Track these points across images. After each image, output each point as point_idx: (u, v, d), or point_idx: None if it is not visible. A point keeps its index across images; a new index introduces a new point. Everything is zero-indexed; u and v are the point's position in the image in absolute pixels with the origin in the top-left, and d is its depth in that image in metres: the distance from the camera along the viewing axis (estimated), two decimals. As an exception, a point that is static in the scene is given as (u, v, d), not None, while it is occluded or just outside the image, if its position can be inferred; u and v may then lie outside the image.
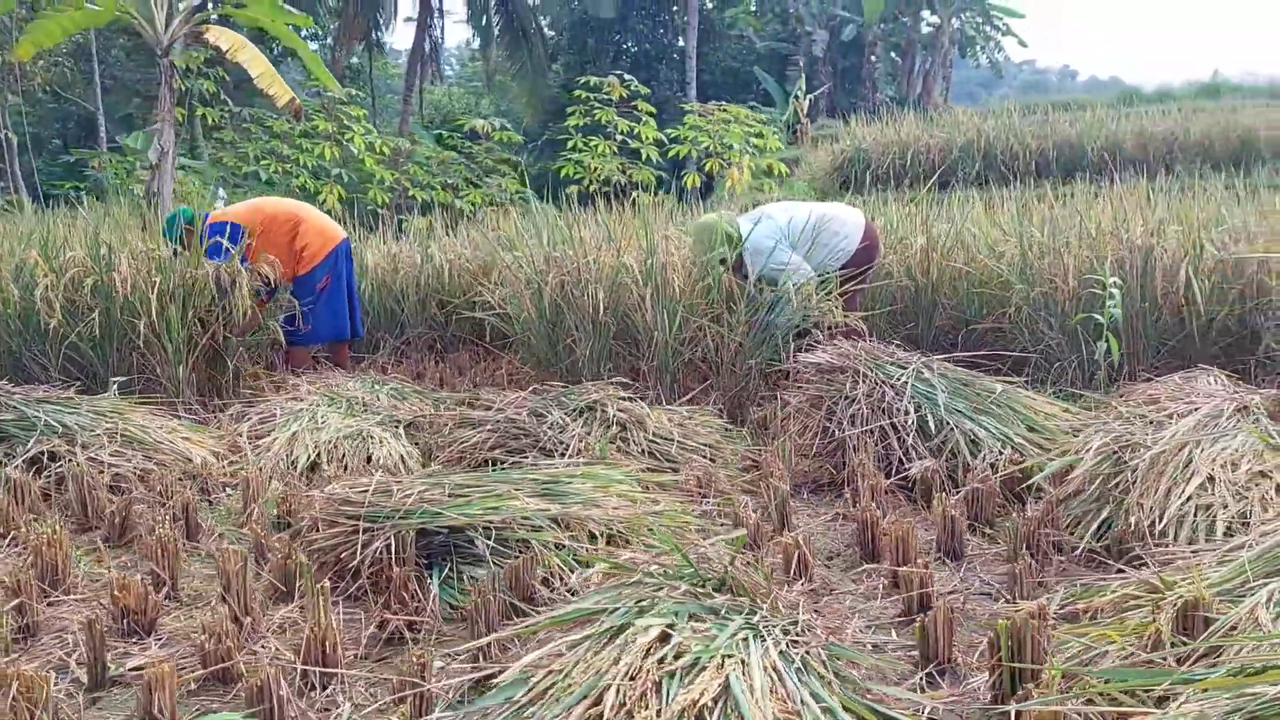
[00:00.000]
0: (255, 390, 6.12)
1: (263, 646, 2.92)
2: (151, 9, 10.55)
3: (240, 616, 3.04)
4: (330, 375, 6.13)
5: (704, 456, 4.45)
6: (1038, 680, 2.30)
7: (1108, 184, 7.78)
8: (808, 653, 2.17)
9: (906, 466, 4.21)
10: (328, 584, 2.95)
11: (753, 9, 36.86)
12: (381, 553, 3.29)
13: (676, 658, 2.06)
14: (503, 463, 4.41)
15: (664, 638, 2.13)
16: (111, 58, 23.86)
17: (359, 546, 3.30)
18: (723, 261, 5.89)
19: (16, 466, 4.46)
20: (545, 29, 32.45)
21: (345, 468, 4.77)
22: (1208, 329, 5.67)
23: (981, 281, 6.55)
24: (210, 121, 12.63)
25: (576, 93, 11.86)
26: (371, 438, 4.96)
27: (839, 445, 4.50)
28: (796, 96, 20.37)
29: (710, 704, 1.98)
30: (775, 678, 2.02)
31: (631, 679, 2.05)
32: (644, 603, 2.32)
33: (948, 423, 4.29)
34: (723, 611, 2.27)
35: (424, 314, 8.50)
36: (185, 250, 6.04)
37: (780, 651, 2.09)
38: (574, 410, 4.63)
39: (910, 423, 4.30)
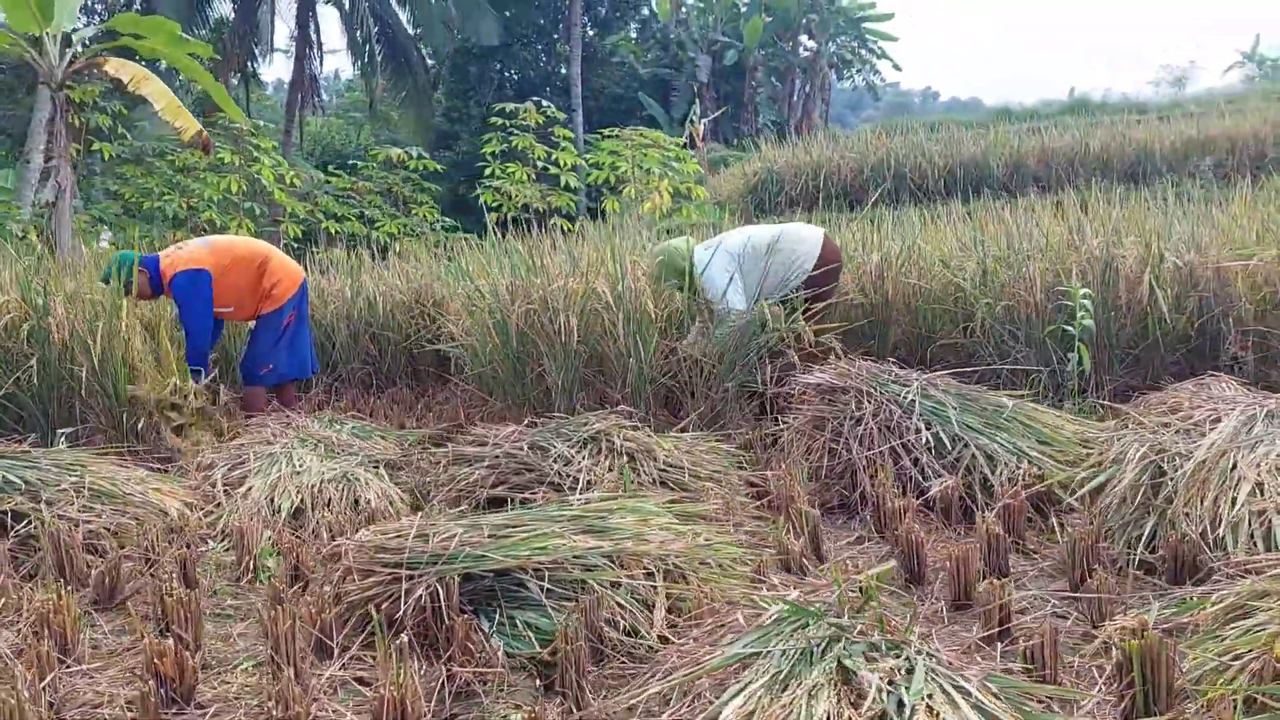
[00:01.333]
0: (202, 436, 5.84)
1: (329, 711, 2.72)
2: (44, 41, 10.07)
3: (293, 679, 2.83)
4: (288, 416, 5.87)
5: (718, 484, 4.34)
6: (1172, 700, 2.26)
7: (1018, 198, 7.95)
8: (984, 685, 2.08)
9: (925, 485, 4.18)
10: (383, 637, 2.76)
11: (633, 36, 37.12)
12: (425, 601, 3.11)
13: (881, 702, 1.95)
14: (510, 501, 4.25)
15: (845, 677, 2.02)
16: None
17: (402, 595, 3.11)
18: (680, 288, 5.87)
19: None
20: (427, 58, 32.09)
21: (331, 513, 4.55)
22: (1170, 337, 5.80)
23: (938, 297, 6.60)
24: (106, 156, 12.09)
25: (493, 120, 11.70)
26: (356, 479, 4.74)
27: (847, 466, 4.45)
28: (693, 120, 20.46)
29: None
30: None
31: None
32: (805, 643, 2.21)
33: (961, 439, 4.27)
34: (883, 648, 2.17)
35: (356, 348, 8.25)
36: (133, 297, 5.76)
37: (956, 686, 2.00)
38: (577, 442, 4.48)
39: (924, 441, 4.26)
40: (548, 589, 3.14)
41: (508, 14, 32.43)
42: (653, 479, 4.29)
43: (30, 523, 4.22)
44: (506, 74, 34.88)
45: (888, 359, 6.54)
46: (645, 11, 36.81)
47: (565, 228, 11.08)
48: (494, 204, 11.50)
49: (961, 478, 4.17)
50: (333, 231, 11.61)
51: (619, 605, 3.08)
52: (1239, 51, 48.93)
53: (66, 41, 10.24)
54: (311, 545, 4.02)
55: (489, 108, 12.60)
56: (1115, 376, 5.82)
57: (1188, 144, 14.31)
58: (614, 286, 5.75)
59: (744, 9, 35.57)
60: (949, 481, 4.09)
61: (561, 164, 11.67)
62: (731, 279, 5.76)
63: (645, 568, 3.21)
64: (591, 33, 35.12)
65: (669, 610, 3.13)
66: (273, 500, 4.58)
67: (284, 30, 30.69)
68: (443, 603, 3.09)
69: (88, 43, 10.41)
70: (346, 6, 28.85)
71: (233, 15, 27.18)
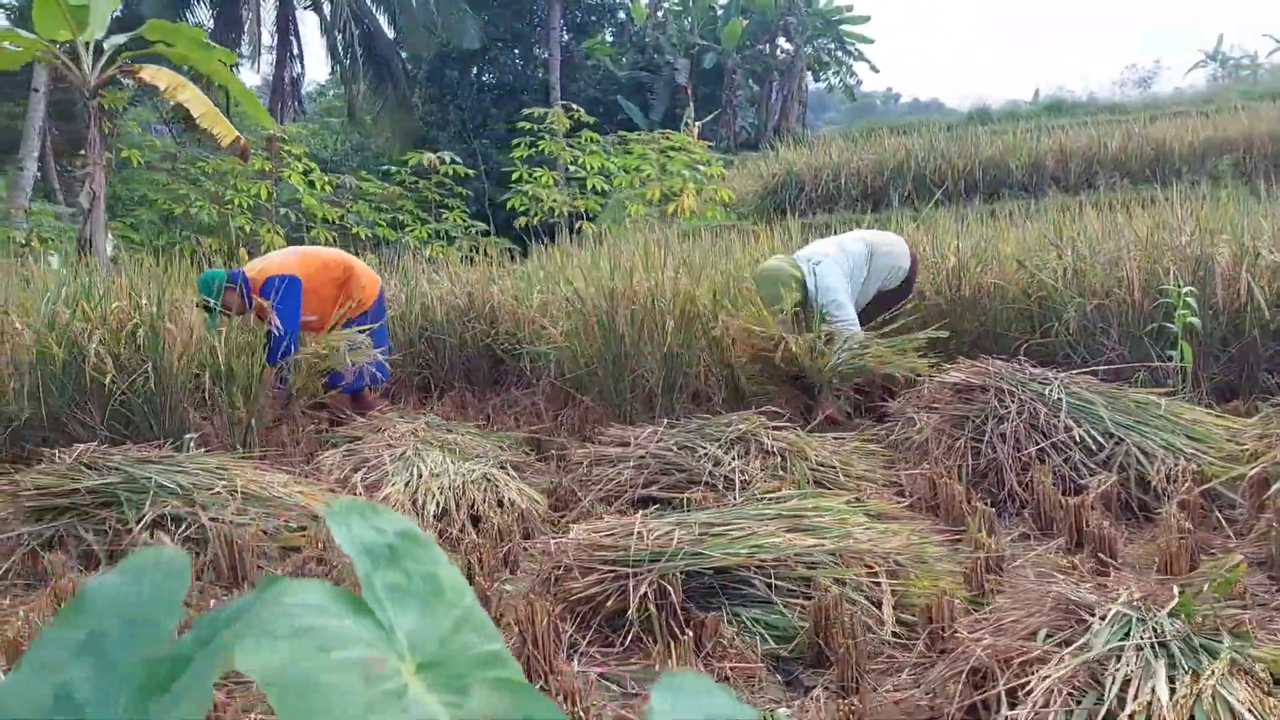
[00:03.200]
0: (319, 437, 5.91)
1: (609, 710, 2.72)
2: (77, 49, 9.96)
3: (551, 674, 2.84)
4: (390, 418, 5.86)
5: (870, 483, 4.38)
6: None
7: (1038, 199, 8.05)
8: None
9: (1082, 484, 4.23)
10: (661, 632, 2.77)
11: (609, 40, 37.15)
12: (650, 599, 3.13)
13: None
14: (663, 501, 4.26)
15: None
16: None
17: (631, 592, 3.12)
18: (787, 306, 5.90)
19: (136, 533, 4.10)
20: (406, 63, 31.95)
21: (476, 514, 4.55)
22: (1265, 334, 5.90)
23: (1015, 297, 6.68)
24: (136, 163, 11.95)
25: (521, 124, 11.69)
26: (495, 480, 4.73)
27: (990, 465, 4.49)
28: (687, 123, 20.53)
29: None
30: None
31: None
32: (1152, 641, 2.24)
33: (1114, 436, 4.33)
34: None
35: (413, 352, 8.25)
36: (228, 311, 5.76)
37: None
38: (725, 442, 4.50)
39: (1075, 439, 4.32)
40: (778, 586, 3.15)
41: (485, 18, 32.38)
42: (806, 478, 4.31)
43: (188, 526, 4.20)
44: (484, 79, 34.76)
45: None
46: (621, 16, 36.87)
47: (591, 231, 11.13)
48: (523, 208, 11.49)
49: (1117, 475, 4.22)
50: (364, 237, 11.55)
51: (848, 603, 3.10)
52: (1201, 51, 49.75)
53: (98, 49, 10.13)
54: (488, 545, 3.99)
55: (510, 114, 12.55)
56: (1212, 373, 5.92)
57: (1206, 144, 14.50)
58: (721, 287, 5.78)
59: (721, 11, 35.72)
60: (1111, 479, 4.14)
61: (589, 167, 11.67)
62: (848, 290, 5.83)
63: (867, 565, 3.24)
64: (567, 37, 35.13)
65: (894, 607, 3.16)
66: (415, 501, 4.57)
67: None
68: (675, 599, 3.11)
69: (117, 51, 10.24)
70: (327, 12, 28.69)
71: (212, 22, 26.90)
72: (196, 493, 4.33)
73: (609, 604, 3.18)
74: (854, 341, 5.62)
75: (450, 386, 8.21)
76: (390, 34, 30.79)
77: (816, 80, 37.38)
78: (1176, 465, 4.18)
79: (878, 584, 3.19)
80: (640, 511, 4.05)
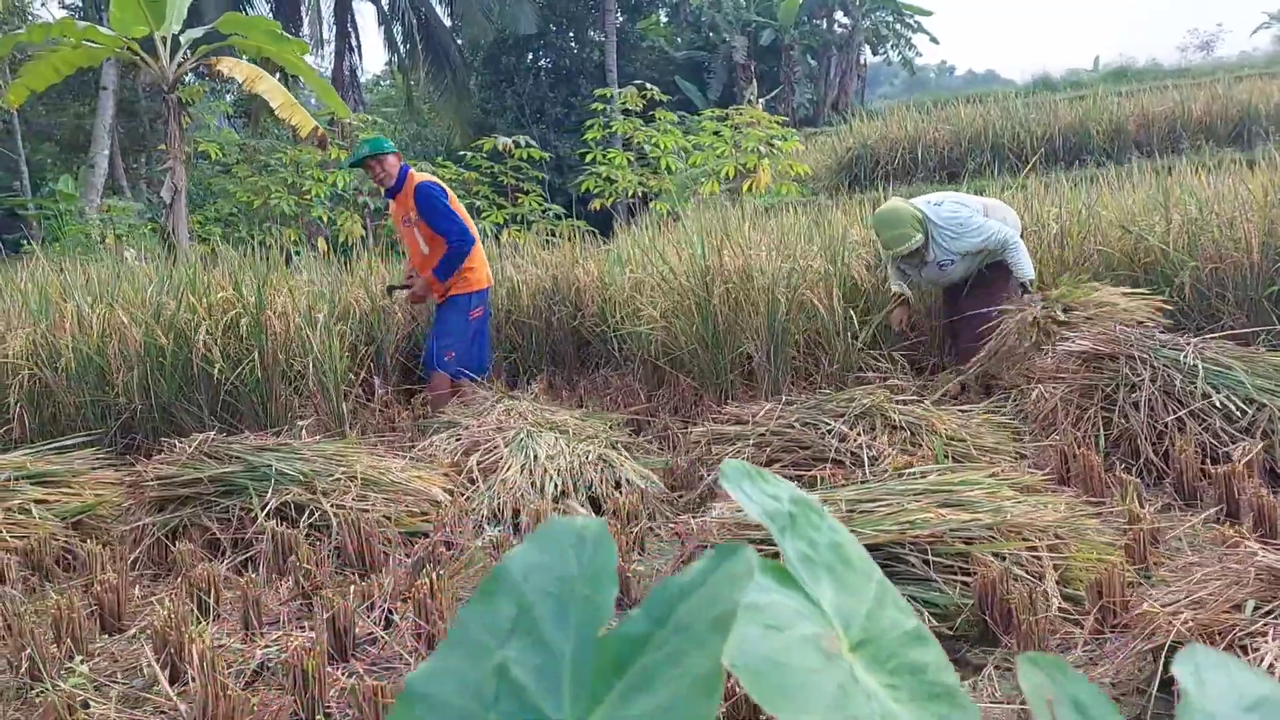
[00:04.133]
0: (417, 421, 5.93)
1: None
2: (155, 44, 10.02)
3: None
4: (487, 402, 5.83)
5: (1003, 456, 4.26)
6: None
7: (1120, 165, 7.81)
8: None
9: (1225, 451, 4.08)
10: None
11: (664, 20, 36.94)
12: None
13: None
14: (795, 479, 4.17)
15: None
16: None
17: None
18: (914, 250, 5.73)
19: (264, 520, 4.10)
20: (463, 50, 32.00)
21: (594, 494, 4.51)
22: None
23: (1119, 263, 6.49)
24: (212, 156, 12.03)
25: (594, 105, 11.61)
26: (611, 461, 4.68)
27: (1123, 434, 4.36)
28: (750, 101, 20.36)
29: None
30: None
31: None
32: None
33: (1256, 402, 4.17)
34: None
35: (500, 337, 8.22)
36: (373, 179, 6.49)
37: None
38: (850, 418, 4.40)
39: (1218, 404, 4.17)
40: (937, 562, 3.06)
41: (540, 2, 32.33)
42: (944, 453, 4.20)
43: (311, 513, 4.19)
44: (541, 63, 34.72)
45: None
46: (677, -6, 36.64)
47: (662, 211, 11.03)
48: (597, 190, 11.41)
49: (1261, 441, 4.07)
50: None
51: (1011, 579, 3.00)
52: (1265, 13, 48.53)
53: (175, 43, 10.19)
54: (618, 525, 3.93)
55: (582, 97, 12.44)
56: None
57: (1294, 105, 14.08)
58: (830, 261, 5.67)
59: (778, -12, 35.37)
60: (1258, 446, 3.99)
61: (662, 147, 11.56)
62: (972, 215, 5.71)
63: (1025, 539, 3.14)
64: (622, 18, 34.96)
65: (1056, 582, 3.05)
66: (534, 484, 4.53)
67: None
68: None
69: (194, 44, 10.30)
70: (384, 3, 28.80)
71: (270, 16, 27.08)
72: (317, 479, 4.32)
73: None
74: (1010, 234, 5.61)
75: (538, 370, 8.18)
76: (447, 22, 30.84)
77: (875, 54, 36.93)
78: (1326, 430, 4.02)
79: (1037, 559, 3.08)
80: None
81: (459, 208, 6.59)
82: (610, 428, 5.55)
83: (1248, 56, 35.82)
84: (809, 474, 4.13)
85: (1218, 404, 4.17)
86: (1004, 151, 14.66)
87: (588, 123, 11.66)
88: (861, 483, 3.71)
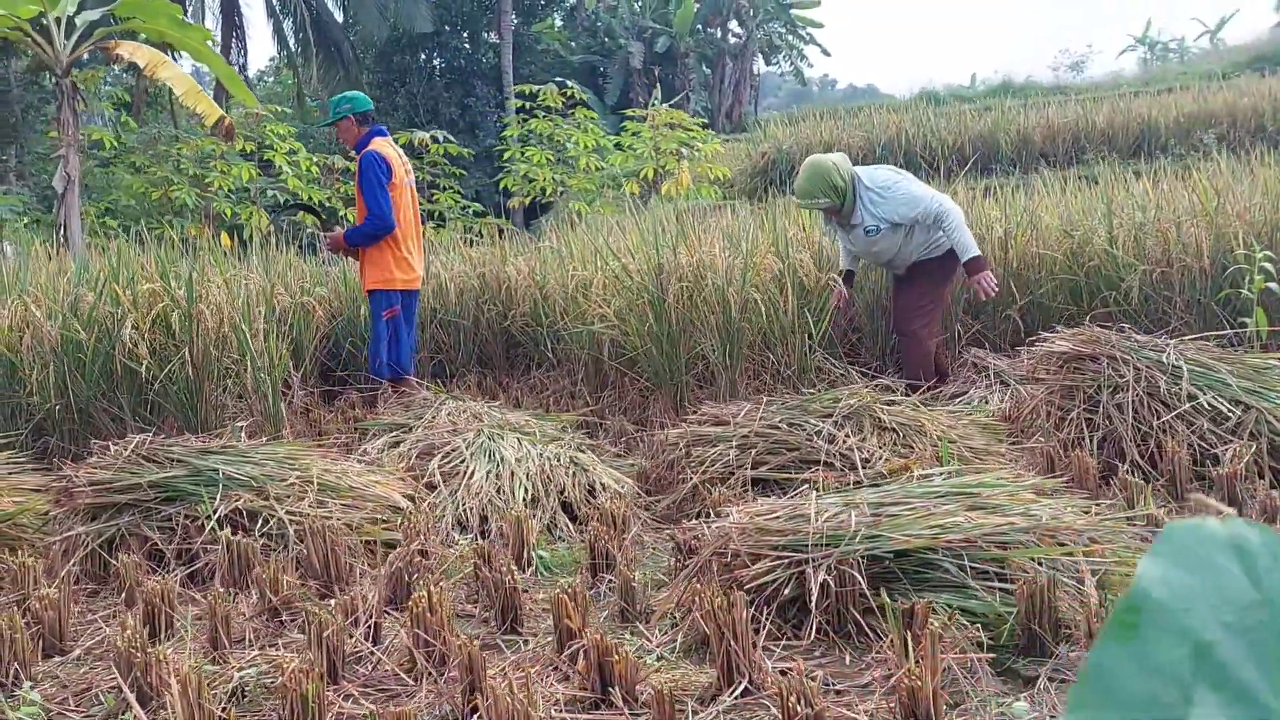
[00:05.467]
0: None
1: (847, 705, 2.46)
2: (49, 27, 9.44)
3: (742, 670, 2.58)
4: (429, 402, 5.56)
5: (998, 457, 4.16)
6: None
7: (1028, 174, 7.90)
8: None
9: (1214, 454, 4.04)
10: (896, 621, 2.51)
11: (558, 24, 36.70)
12: (831, 586, 2.87)
13: None
14: (781, 483, 4.01)
15: None
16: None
17: (813, 577, 2.86)
18: (834, 207, 5.66)
19: (215, 529, 3.77)
20: (355, 47, 31.27)
21: (566, 500, 4.28)
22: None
23: (1065, 267, 6.50)
24: (107, 145, 11.35)
25: (512, 102, 11.33)
26: (583, 465, 4.45)
27: (1108, 437, 4.29)
28: (654, 105, 20.26)
29: None
30: None
31: None
32: None
33: (1241, 403, 4.14)
34: None
35: (424, 338, 7.92)
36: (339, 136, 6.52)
37: None
38: (837, 418, 4.24)
39: (1206, 405, 4.13)
40: (974, 569, 2.91)
41: (434, 1, 31.82)
42: (951, 455, 4.07)
43: (266, 521, 3.88)
44: (435, 63, 34.16)
45: (1006, 337, 6.55)
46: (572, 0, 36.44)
47: (582, 211, 10.83)
48: (515, 188, 11.16)
49: (1245, 444, 4.04)
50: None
51: (1056, 586, 2.87)
52: (1130, 35, 50.41)
53: (70, 26, 9.62)
54: (612, 532, 3.71)
55: (476, 99, 12.15)
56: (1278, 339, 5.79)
57: (1190, 118, 14.51)
58: (781, 259, 5.54)
59: (673, -6, 35.45)
60: (1251, 448, 3.95)
61: (582, 145, 11.34)
62: (902, 179, 5.72)
63: (1062, 544, 3.01)
64: (517, 20, 34.60)
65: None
66: (500, 489, 4.28)
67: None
68: (857, 586, 2.86)
69: (91, 28, 9.74)
70: (275, -4, 27.98)
71: None
72: (269, 485, 4.00)
73: (785, 591, 2.93)
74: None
75: (466, 371, 7.90)
76: (339, 16, 30.11)
77: (768, 64, 37.27)
78: (1312, 431, 4.00)
79: (1074, 564, 2.96)
80: (766, 494, 3.82)
81: (398, 195, 6.35)
82: (563, 430, 5.32)
83: (1118, 76, 37.13)
84: (796, 478, 3.97)
85: (1205, 405, 4.14)
86: (916, 159, 14.79)
87: (505, 119, 11.40)
88: (871, 484, 3.55)
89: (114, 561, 3.75)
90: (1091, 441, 4.27)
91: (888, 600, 2.80)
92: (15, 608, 3.39)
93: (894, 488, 3.30)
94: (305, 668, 2.58)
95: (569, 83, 11.50)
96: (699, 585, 2.97)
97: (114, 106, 13.83)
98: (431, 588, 2.91)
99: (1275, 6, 41.73)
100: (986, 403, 5.27)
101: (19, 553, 3.83)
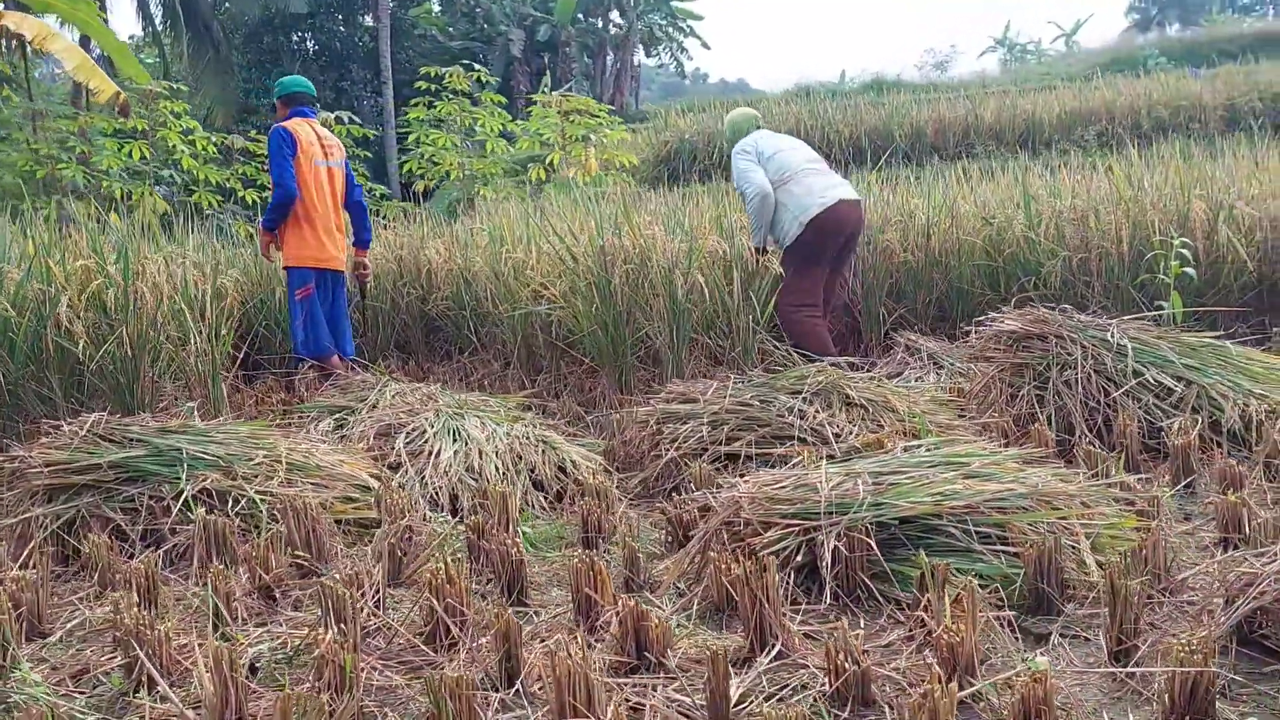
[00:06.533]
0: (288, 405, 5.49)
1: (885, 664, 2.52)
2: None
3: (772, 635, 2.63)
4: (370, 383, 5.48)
5: (963, 431, 4.29)
6: None
7: (922, 167, 8.20)
8: None
9: (1158, 427, 4.25)
10: (935, 583, 2.60)
11: (436, 9, 36.20)
12: (841, 552, 2.95)
13: None
14: (758, 457, 4.08)
15: None
16: None
17: (825, 544, 2.93)
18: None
19: (191, 509, 3.66)
20: (225, 26, 30.32)
21: (537, 478, 4.28)
22: (1246, 284, 6.10)
23: (986, 253, 6.74)
24: (-12, 119, 10.78)
25: (418, 84, 11.17)
26: (552, 443, 4.45)
27: (1058, 413, 4.47)
28: (545, 92, 20.19)
29: None
30: None
31: None
32: None
33: (1183, 379, 4.36)
34: None
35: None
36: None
37: None
38: (806, 395, 4.33)
39: (1151, 381, 4.34)
40: (979, 534, 3.02)
41: (308, -20, 31.07)
42: (896, 430, 4.19)
43: (237, 501, 3.78)
44: (309, 45, 33.36)
45: (927, 320, 6.78)
46: (450, -16, 35.96)
47: (486, 195, 10.76)
48: (420, 171, 11.02)
49: (1190, 418, 4.25)
50: (251, 200, 10.82)
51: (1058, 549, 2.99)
52: (991, 37, 52.23)
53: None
54: (602, 507, 3.71)
55: (352, 82, 11.91)
56: (1189, 322, 6.10)
57: (1072, 115, 15.11)
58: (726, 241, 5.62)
59: (555, -18, 35.31)
60: (1198, 421, 4.16)
61: (489, 130, 11.26)
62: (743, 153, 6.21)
63: (1057, 509, 3.14)
64: (393, 3, 34.00)
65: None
66: (470, 468, 4.25)
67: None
68: (865, 552, 2.94)
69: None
70: (138, -32, 26.90)
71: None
72: (236, 464, 3.90)
73: (797, 558, 2.99)
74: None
75: (385, 355, 7.78)
76: (208, -5, 29.14)
77: (649, 55, 37.46)
78: (1249, 406, 4.24)
79: (1068, 528, 3.09)
80: (742, 471, 3.88)
81: (305, 172, 6.30)
82: (523, 410, 5.30)
83: (983, 75, 38.40)
84: (774, 452, 4.04)
85: (1150, 381, 4.35)
86: (815, 150, 14.99)
87: (412, 101, 11.22)
88: (844, 459, 3.64)
89: (78, 544, 3.61)
90: (1044, 417, 4.45)
91: (901, 566, 2.89)
92: (-10, 590, 3.24)
93: (888, 458, 3.40)
94: (340, 640, 2.54)
95: (475, 66, 11.38)
96: (712, 554, 3.01)
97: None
98: (447, 559, 2.89)
99: (1125, 12, 43.73)
100: (922, 382, 5.43)
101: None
